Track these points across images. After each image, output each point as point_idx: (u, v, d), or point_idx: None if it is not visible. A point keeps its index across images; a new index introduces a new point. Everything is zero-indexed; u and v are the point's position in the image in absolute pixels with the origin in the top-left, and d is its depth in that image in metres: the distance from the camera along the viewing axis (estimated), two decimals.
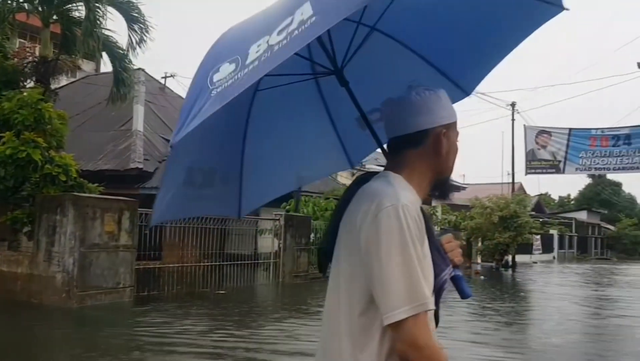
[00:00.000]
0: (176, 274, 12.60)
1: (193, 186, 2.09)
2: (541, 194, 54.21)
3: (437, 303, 1.42)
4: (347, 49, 1.81)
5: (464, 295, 1.45)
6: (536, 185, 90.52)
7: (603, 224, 54.11)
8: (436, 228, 1.59)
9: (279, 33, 1.28)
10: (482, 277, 19.77)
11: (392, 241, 1.32)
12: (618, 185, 63.54)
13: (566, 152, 25.67)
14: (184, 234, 12.98)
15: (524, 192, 40.63)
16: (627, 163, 25.18)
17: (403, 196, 1.40)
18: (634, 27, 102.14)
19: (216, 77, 1.37)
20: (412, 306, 1.31)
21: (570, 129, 25.33)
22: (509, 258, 25.20)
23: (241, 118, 2.08)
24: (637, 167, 24.97)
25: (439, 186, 1.59)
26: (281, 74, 1.80)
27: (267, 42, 1.29)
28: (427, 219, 1.44)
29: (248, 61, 1.30)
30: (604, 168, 26.44)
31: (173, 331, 8.20)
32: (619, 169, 25.86)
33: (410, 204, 1.38)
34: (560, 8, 1.84)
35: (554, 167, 25.98)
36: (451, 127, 1.59)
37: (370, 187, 1.47)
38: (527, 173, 26.85)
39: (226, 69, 1.37)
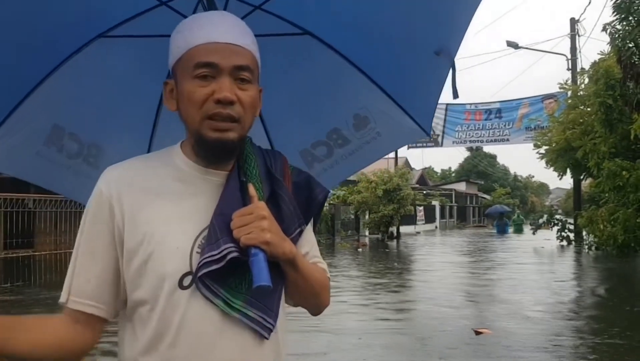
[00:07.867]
0: (46, 262, 11.82)
1: (60, 152, 1.80)
2: (425, 168, 57.05)
3: (220, 284, 1.09)
4: None
5: (255, 283, 1.05)
6: (420, 160, 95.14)
7: (480, 194, 57.99)
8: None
9: None
10: (359, 249, 20.59)
11: None
12: (493, 157, 68.43)
13: (444, 126, 27.13)
14: (59, 219, 12.20)
15: (409, 166, 42.54)
16: (499, 135, 27.09)
17: (110, 171, 1.18)
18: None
19: None
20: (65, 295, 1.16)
21: (446, 105, 26.64)
22: (394, 229, 26.30)
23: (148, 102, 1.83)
24: (507, 139, 26.95)
25: (200, 151, 1.17)
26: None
27: None
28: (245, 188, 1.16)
29: None
30: (478, 141, 28.30)
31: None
32: (491, 141, 27.76)
33: (107, 179, 1.15)
34: None
35: (433, 140, 27.35)
36: (178, 68, 1.15)
37: None
38: (409, 147, 28.07)
39: None
